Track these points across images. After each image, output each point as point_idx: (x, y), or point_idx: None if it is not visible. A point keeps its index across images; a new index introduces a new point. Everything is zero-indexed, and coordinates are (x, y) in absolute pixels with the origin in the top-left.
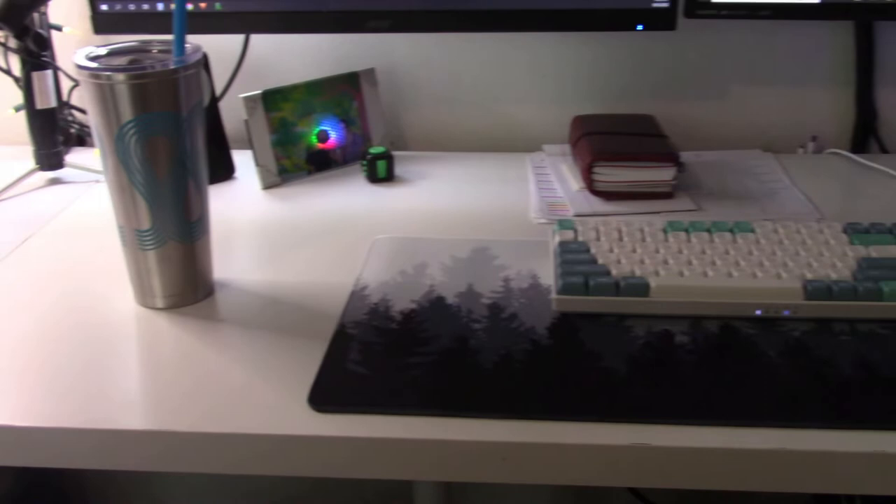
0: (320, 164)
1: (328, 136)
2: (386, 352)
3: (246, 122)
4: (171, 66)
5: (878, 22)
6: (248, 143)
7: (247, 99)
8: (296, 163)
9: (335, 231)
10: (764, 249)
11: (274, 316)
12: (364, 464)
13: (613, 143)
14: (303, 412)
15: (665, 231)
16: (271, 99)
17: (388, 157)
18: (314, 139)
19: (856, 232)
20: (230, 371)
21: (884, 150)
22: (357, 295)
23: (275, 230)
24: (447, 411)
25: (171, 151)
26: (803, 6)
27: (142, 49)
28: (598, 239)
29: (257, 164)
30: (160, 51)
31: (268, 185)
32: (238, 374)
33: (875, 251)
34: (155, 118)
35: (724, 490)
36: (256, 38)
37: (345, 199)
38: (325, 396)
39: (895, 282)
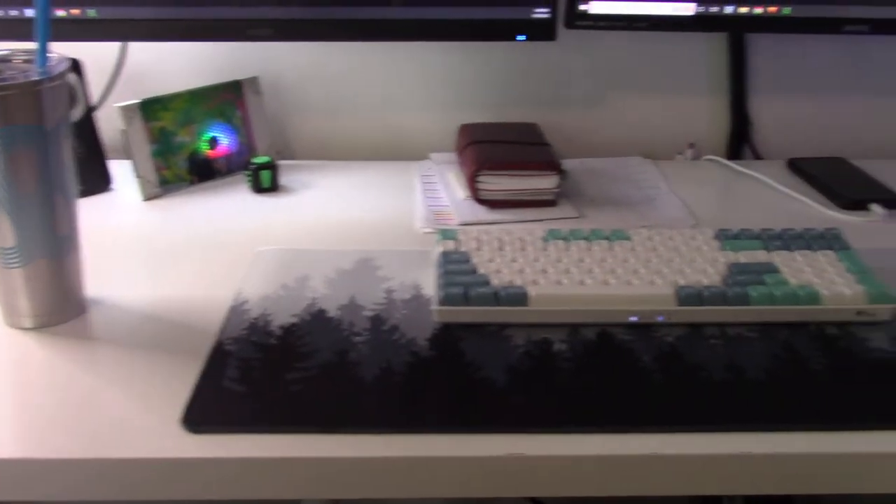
0: (203, 174)
1: (218, 142)
2: (264, 368)
3: (123, 132)
4: (34, 78)
5: (749, 34)
6: (127, 154)
7: (124, 108)
8: (177, 173)
9: (217, 243)
10: (639, 257)
11: (150, 334)
12: (243, 485)
13: (497, 152)
14: (177, 434)
15: (545, 240)
16: (150, 108)
17: (272, 167)
18: (204, 146)
19: (726, 238)
20: (102, 393)
21: (757, 157)
22: (236, 310)
23: (154, 243)
24: (325, 427)
25: (35, 166)
26: (678, 18)
27: (4, 59)
28: (479, 249)
29: (136, 174)
30: (24, 60)
31: (148, 197)
32: (110, 396)
33: (744, 256)
34: (17, 131)
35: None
36: (135, 46)
37: (227, 210)
38: (199, 417)
39: (762, 286)
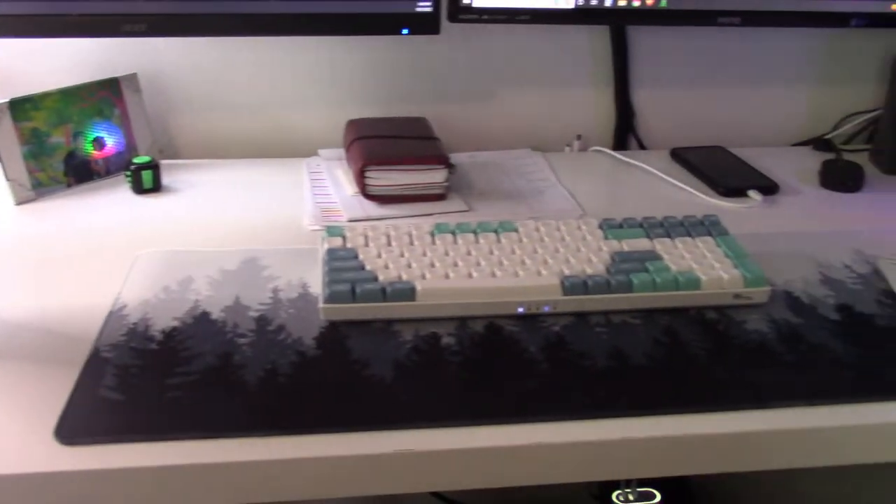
0: (80, 175)
1: (104, 143)
2: (143, 375)
3: None
4: None
5: (631, 27)
6: None
7: None
8: (52, 175)
9: (95, 248)
10: (526, 248)
11: (24, 344)
12: (118, 497)
13: (385, 147)
14: (50, 446)
15: (432, 234)
16: (20, 108)
17: (154, 167)
18: (89, 147)
19: (610, 227)
20: None
21: (642, 147)
22: (115, 315)
23: (28, 249)
24: (206, 433)
25: None
26: (559, 11)
27: None
28: (366, 245)
29: (7, 178)
30: None
31: (20, 201)
32: None
33: (627, 245)
34: None
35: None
36: (3, 43)
37: (107, 212)
38: (73, 428)
39: (644, 273)
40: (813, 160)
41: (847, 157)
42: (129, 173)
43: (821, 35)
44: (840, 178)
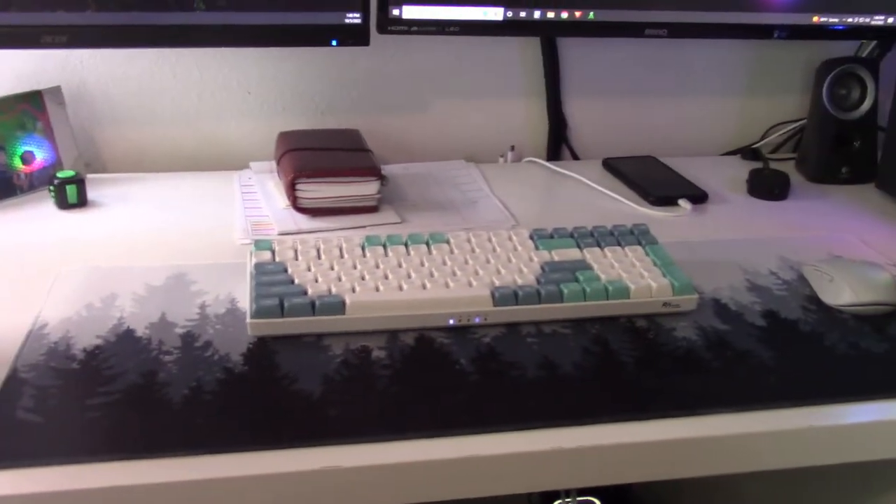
0: (1, 191)
1: (34, 157)
2: (63, 395)
3: None
4: None
5: (561, 38)
6: None
7: None
8: None
9: (16, 265)
10: (457, 259)
11: None
12: None
13: (315, 159)
14: None
15: (363, 247)
16: None
17: (78, 182)
18: (18, 162)
19: (541, 237)
20: None
21: (575, 157)
22: (35, 334)
23: None
24: (130, 454)
25: None
26: (488, 23)
27: None
28: (295, 258)
29: None
30: None
31: None
32: None
33: (557, 255)
34: None
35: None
36: None
37: (29, 228)
38: None
39: (574, 283)
40: (741, 169)
41: (774, 165)
42: (52, 188)
43: (748, 46)
44: (767, 186)
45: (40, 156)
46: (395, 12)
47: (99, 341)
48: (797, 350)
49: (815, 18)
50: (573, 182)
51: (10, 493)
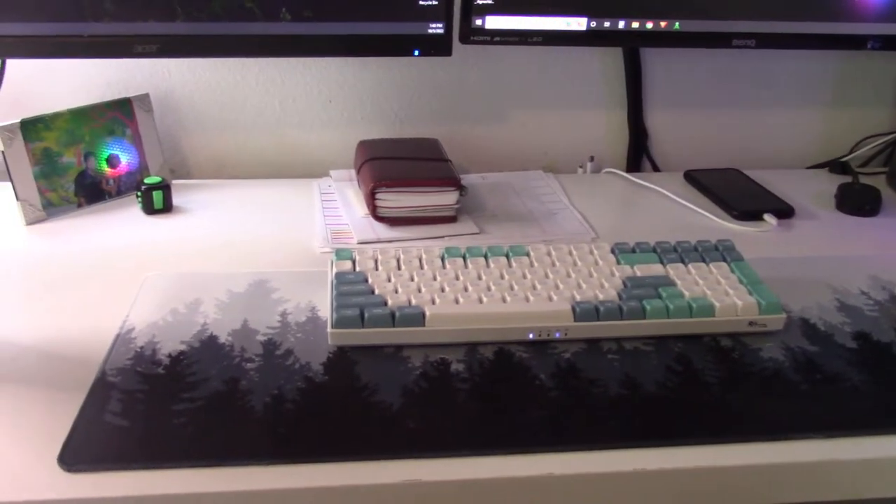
0: (91, 196)
1: (118, 161)
2: (149, 400)
3: (2, 153)
4: None
5: (644, 49)
6: (7, 176)
7: (2, 129)
8: (63, 195)
9: (105, 269)
10: (537, 273)
11: (29, 366)
12: None
13: (395, 169)
14: (53, 473)
15: (442, 258)
16: (32, 128)
17: (164, 188)
18: (104, 165)
19: (622, 252)
20: None
21: (656, 169)
22: (122, 338)
23: (37, 270)
24: (212, 461)
25: None
26: (571, 33)
27: None
28: (376, 268)
29: (18, 198)
30: None
31: (31, 221)
32: None
33: (640, 270)
34: None
35: None
36: (15, 64)
37: (117, 233)
38: (77, 455)
39: (657, 300)
40: (829, 183)
41: (864, 180)
42: (139, 194)
43: (837, 57)
44: (857, 201)
45: (125, 159)
46: (478, 22)
47: (183, 347)
48: (890, 374)
49: None
50: (654, 194)
51: (97, 496)
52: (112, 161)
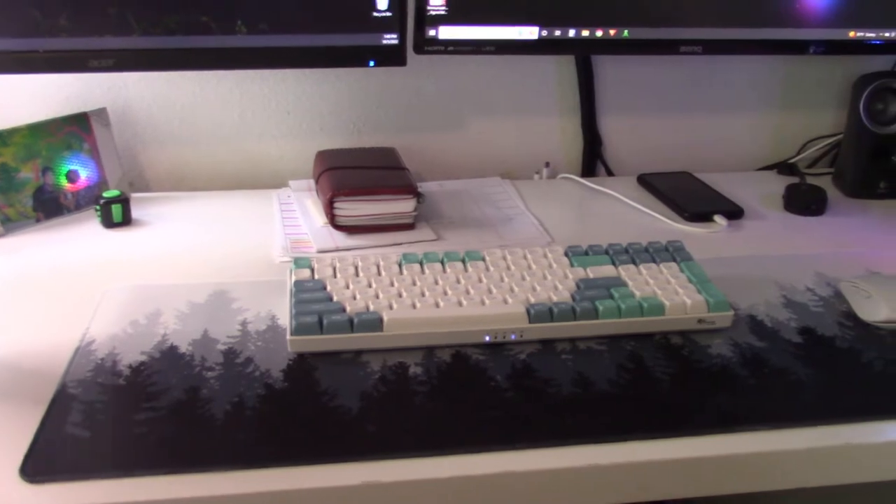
0: (49, 210)
1: (78, 175)
2: (110, 410)
3: None
4: None
5: (595, 56)
6: None
7: None
8: (21, 211)
9: (64, 283)
10: (492, 276)
11: None
12: None
13: (353, 178)
14: (15, 485)
15: (400, 264)
16: None
17: (123, 201)
18: (63, 180)
19: (575, 254)
20: None
21: (610, 174)
22: (82, 351)
23: None
24: (174, 468)
25: None
26: (524, 42)
27: None
28: (334, 276)
29: None
30: None
31: None
32: None
33: (592, 272)
34: None
35: None
36: None
37: (76, 247)
38: (38, 465)
39: (609, 300)
40: (777, 184)
41: (810, 180)
42: (98, 207)
43: (782, 61)
44: (803, 201)
45: (84, 174)
46: (432, 33)
47: (144, 357)
48: (834, 367)
49: (852, 34)
50: (608, 198)
51: None
52: (71, 176)
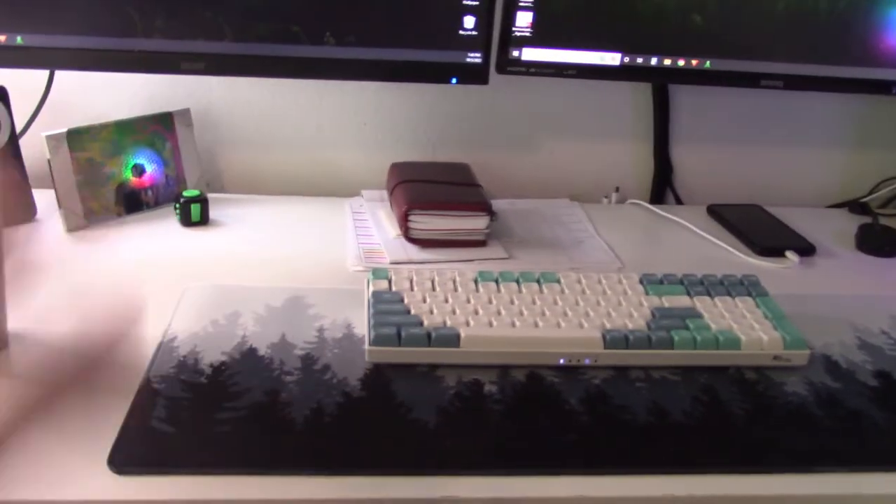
0: (131, 206)
1: (143, 170)
2: (193, 407)
3: (49, 161)
4: None
5: (672, 85)
6: (51, 183)
7: (49, 137)
8: (104, 205)
9: (145, 277)
10: (568, 299)
11: (75, 371)
12: None
13: (428, 192)
14: (103, 475)
15: (476, 281)
16: (77, 138)
17: (202, 201)
18: (128, 173)
19: (650, 283)
20: (24, 432)
21: (679, 202)
22: (165, 347)
23: (79, 276)
24: (254, 469)
25: None
26: (605, 67)
27: None
28: (411, 289)
29: (60, 205)
30: None
31: (72, 228)
32: (33, 436)
33: (667, 301)
34: None
35: None
36: (63, 74)
37: (156, 243)
38: (125, 457)
39: (685, 331)
40: (849, 223)
41: (883, 221)
42: (177, 206)
43: (859, 99)
44: (877, 242)
45: (150, 169)
46: (516, 53)
47: (224, 357)
48: None
49: None
50: (677, 226)
51: (144, 499)
52: (137, 170)
